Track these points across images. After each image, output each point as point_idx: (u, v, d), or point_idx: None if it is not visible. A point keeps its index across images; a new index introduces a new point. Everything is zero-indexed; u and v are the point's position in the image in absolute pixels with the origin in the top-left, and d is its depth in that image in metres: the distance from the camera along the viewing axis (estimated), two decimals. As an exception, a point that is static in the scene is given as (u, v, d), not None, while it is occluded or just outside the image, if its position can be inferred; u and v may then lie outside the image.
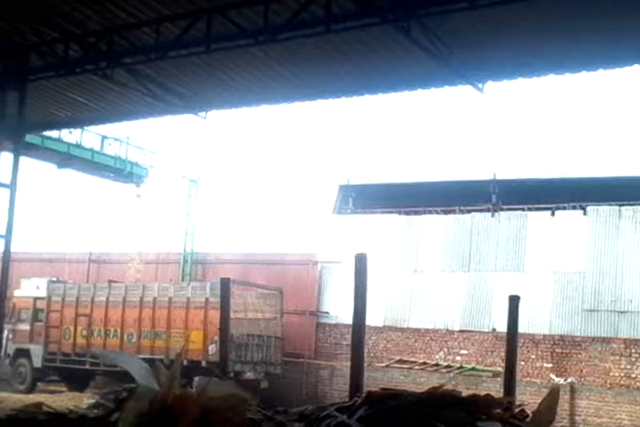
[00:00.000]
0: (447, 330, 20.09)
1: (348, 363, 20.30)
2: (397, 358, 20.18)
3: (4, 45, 11.50)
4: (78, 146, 20.11)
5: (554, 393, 5.28)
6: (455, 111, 37.03)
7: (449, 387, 7.15)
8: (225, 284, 13.63)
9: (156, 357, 18.72)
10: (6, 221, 11.93)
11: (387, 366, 19.73)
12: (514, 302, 8.94)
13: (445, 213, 21.14)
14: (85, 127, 18.72)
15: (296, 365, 20.71)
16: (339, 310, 21.47)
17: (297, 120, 41.49)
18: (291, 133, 42.13)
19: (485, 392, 7.14)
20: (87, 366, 20.44)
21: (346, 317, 20.94)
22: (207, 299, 18.87)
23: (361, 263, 9.05)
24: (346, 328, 21.07)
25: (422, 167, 22.33)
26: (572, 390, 17.15)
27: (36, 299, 21.60)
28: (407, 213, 21.60)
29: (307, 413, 7.03)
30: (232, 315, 17.99)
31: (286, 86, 12.49)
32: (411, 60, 11.19)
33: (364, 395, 6.92)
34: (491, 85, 11.95)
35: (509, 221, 19.87)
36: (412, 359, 20.12)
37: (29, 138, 14.95)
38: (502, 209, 20.19)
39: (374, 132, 39.83)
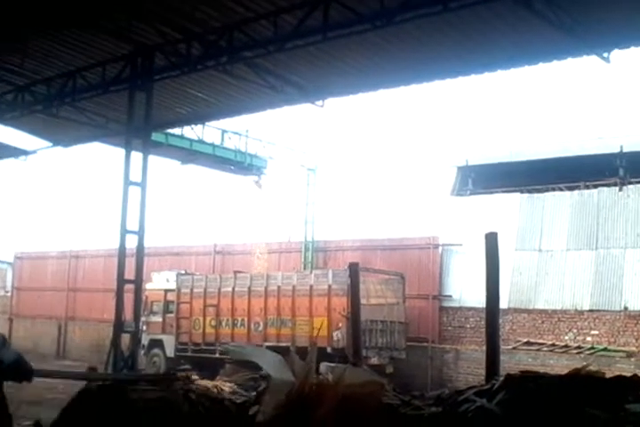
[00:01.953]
0: (576, 310, 19.51)
1: (473, 346, 20.18)
2: (524, 340, 19.79)
3: (131, 47, 11.93)
4: (200, 141, 20.59)
5: None
6: (573, 82, 35.78)
7: (591, 368, 6.90)
8: (354, 270, 13.68)
9: (282, 344, 19.16)
10: (138, 218, 12.36)
11: (514, 348, 19.38)
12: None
13: (570, 189, 20.53)
14: (206, 123, 19.17)
15: (420, 349, 20.68)
16: (462, 292, 21.24)
17: (411, 103, 41.28)
18: (406, 117, 41.92)
19: (619, 373, 6.89)
20: (217, 355, 21.10)
21: (469, 299, 20.73)
22: (330, 286, 19.07)
23: (491, 242, 8.86)
24: (470, 311, 20.85)
25: (542, 143, 21.70)
26: None
27: (166, 291, 22.42)
28: (529, 192, 21.11)
29: (444, 397, 6.98)
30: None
31: (403, 69, 12.36)
32: (533, 34, 10.85)
33: (501, 378, 6.80)
34: (616, 54, 11.48)
35: (639, 195, 19.10)
36: (540, 341, 19.69)
37: (154, 136, 15.45)
38: (631, 182, 19.42)
39: (490, 111, 39.11)
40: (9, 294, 33.89)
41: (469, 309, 20.89)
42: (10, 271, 36.70)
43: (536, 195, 20.87)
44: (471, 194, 22.37)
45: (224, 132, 21.61)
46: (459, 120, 39.19)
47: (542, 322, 19.99)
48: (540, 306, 20.06)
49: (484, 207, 21.26)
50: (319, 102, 14.09)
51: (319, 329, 18.58)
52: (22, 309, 31.43)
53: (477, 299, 19.48)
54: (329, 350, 18.47)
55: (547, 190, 20.89)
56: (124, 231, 12.22)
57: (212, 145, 21.23)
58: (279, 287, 20.04)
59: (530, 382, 6.33)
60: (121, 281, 12.15)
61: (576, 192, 20.25)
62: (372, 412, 6.63)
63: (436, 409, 6.68)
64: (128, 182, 12.30)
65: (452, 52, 11.76)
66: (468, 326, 21.00)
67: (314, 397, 6.85)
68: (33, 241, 50.93)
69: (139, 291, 12.58)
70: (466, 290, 21.03)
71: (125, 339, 12.30)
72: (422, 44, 11.52)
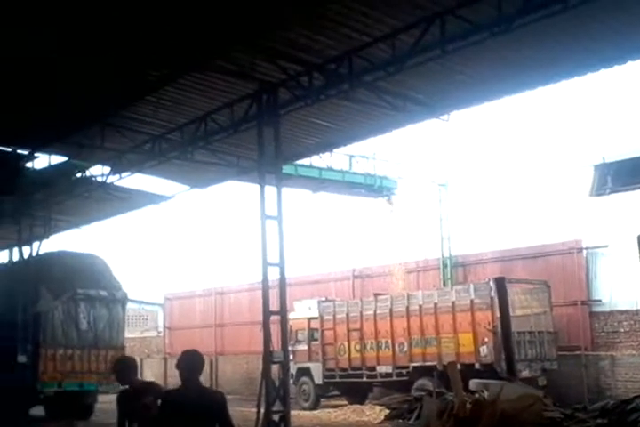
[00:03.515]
0: None
1: (630, 351, 19.21)
2: (686, 340, 18.72)
3: (255, 86, 12.32)
4: (329, 169, 20.97)
5: None
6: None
7: None
8: (500, 284, 13.43)
9: (428, 364, 18.96)
10: (278, 250, 12.58)
11: (676, 350, 18.38)
12: None
13: None
14: (333, 150, 19.43)
15: (572, 358, 19.87)
16: (612, 296, 20.36)
17: (536, 106, 40.44)
18: (532, 121, 41.06)
19: None
20: (364, 379, 21.14)
21: (621, 302, 19.83)
22: (472, 301, 18.71)
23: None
24: (622, 315, 19.94)
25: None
26: None
27: (309, 320, 22.76)
28: (674, 184, 20.12)
29: (609, 407, 6.69)
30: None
31: (525, 73, 12.06)
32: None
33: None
34: None
35: None
36: (703, 341, 18.59)
37: (285, 168, 15.77)
38: None
39: (617, 105, 37.68)
40: (161, 335, 35.38)
41: (622, 312, 20.00)
42: (161, 313, 38.40)
43: (682, 185, 19.85)
44: (611, 192, 21.49)
45: (351, 157, 21.85)
46: (587, 119, 37.91)
47: None
48: (699, 302, 18.99)
49: (627, 205, 20.36)
50: (444, 117, 14.04)
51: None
52: (175, 347, 32.53)
53: (630, 301, 18.69)
54: (477, 365, 18.16)
55: (693, 180, 19.83)
56: (266, 264, 12.42)
57: (341, 171, 21.54)
58: (421, 306, 19.89)
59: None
60: (267, 313, 12.34)
61: None
62: (533, 427, 6.46)
63: (601, 421, 6.44)
64: (265, 216, 12.55)
65: (572, 51, 11.29)
66: (622, 330, 20.07)
67: (474, 415, 6.75)
68: (180, 282, 53.24)
69: (284, 321, 12.74)
70: (616, 293, 20.16)
71: (274, 369, 12.49)
72: (541, 45, 11.24)
